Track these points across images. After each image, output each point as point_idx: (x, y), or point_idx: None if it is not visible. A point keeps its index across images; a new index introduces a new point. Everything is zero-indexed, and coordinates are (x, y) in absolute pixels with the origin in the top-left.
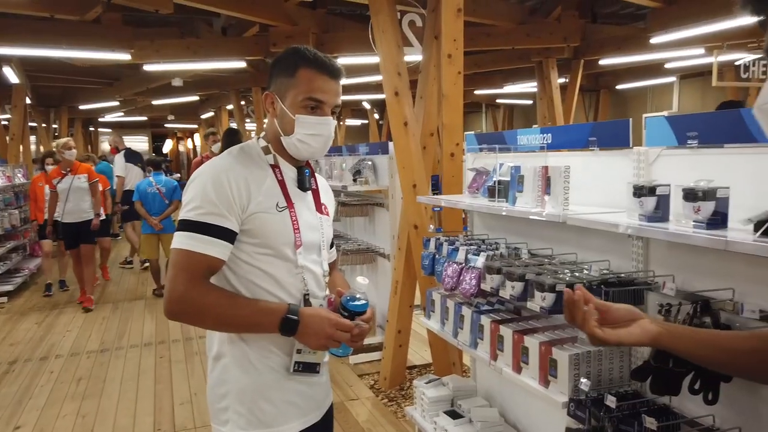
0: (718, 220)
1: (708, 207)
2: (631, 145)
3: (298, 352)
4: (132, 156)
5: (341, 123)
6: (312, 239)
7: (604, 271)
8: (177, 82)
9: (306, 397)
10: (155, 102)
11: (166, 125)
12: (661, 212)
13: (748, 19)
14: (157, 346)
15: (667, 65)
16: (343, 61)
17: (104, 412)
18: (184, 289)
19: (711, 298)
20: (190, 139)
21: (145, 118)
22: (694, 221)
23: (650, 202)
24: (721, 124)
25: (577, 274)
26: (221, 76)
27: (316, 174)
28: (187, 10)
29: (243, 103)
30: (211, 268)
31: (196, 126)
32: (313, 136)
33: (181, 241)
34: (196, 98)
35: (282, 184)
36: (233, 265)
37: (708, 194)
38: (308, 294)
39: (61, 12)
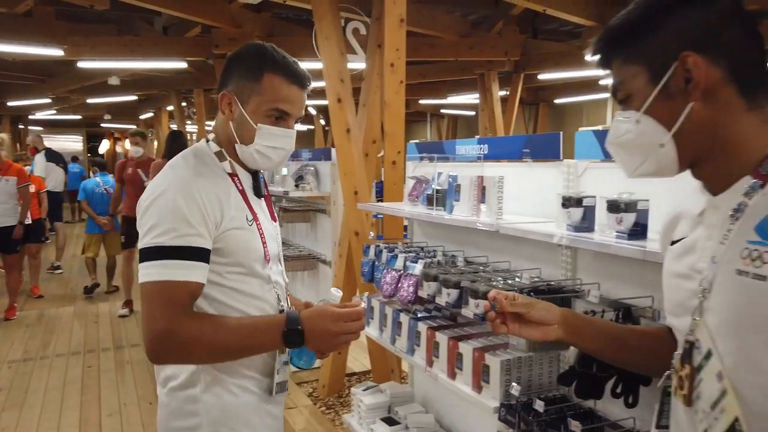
0: (639, 230)
1: (629, 218)
2: (561, 158)
3: (278, 372)
4: (53, 156)
5: None
6: (275, 250)
7: (535, 279)
8: (114, 81)
9: (278, 418)
10: (90, 101)
11: (102, 125)
12: (587, 223)
13: None
14: (85, 355)
15: (601, 82)
16: None
17: (25, 425)
18: (166, 325)
19: (632, 305)
20: (127, 140)
21: (79, 117)
22: (616, 232)
23: (577, 213)
24: None
25: (509, 281)
26: (161, 76)
27: None
28: (127, 8)
29: (184, 104)
30: (193, 296)
31: (134, 126)
32: (274, 149)
33: (154, 272)
34: (134, 98)
35: (243, 194)
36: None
37: (629, 206)
38: (282, 310)
39: None
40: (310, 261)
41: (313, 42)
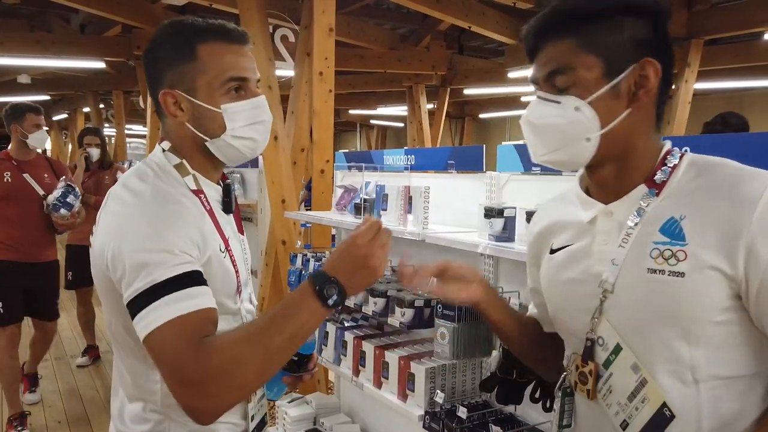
0: None
1: None
2: (484, 170)
3: (253, 418)
4: None
5: None
6: (244, 275)
7: None
8: (24, 79)
9: None
10: None
11: None
12: (508, 233)
13: None
14: None
15: (523, 98)
16: None
17: None
18: (197, 361)
19: None
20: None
21: None
22: None
23: (499, 223)
24: None
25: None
26: (77, 76)
27: None
28: (41, 3)
29: (102, 106)
30: (214, 322)
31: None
32: (253, 126)
33: (161, 313)
34: (47, 98)
35: (212, 214)
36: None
37: None
38: None
39: None
40: None
41: None
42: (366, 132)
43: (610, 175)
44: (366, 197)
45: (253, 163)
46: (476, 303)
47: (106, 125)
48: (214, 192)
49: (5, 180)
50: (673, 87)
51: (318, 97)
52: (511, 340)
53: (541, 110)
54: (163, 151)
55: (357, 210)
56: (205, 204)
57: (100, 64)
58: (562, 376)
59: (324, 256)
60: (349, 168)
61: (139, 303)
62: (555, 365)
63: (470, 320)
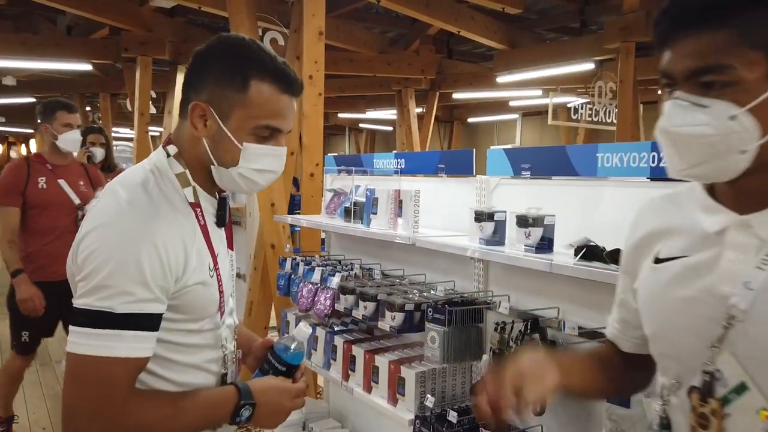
0: (546, 244)
1: (537, 233)
2: (474, 174)
3: None
4: None
5: None
6: (230, 290)
7: (450, 291)
8: (9, 81)
9: None
10: None
11: None
12: (498, 236)
13: (580, 66)
14: None
15: (511, 103)
16: None
17: None
18: (119, 409)
19: (540, 316)
20: (24, 145)
21: None
22: (525, 245)
23: (489, 227)
24: (549, 158)
25: (425, 294)
26: (63, 78)
27: None
28: (27, 4)
29: (89, 109)
30: (140, 370)
31: (32, 131)
32: (261, 173)
33: (96, 343)
34: (32, 100)
35: (205, 230)
36: None
37: (537, 221)
38: (225, 374)
39: None
40: None
41: None
42: (355, 135)
43: (757, 183)
44: (356, 201)
45: None
46: (559, 388)
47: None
48: (209, 205)
49: (40, 186)
50: None
51: (308, 101)
52: (598, 393)
53: (683, 117)
54: (168, 155)
55: (347, 214)
56: (200, 219)
57: (87, 67)
58: (659, 407)
59: (313, 260)
60: (339, 171)
61: (84, 317)
62: (631, 389)
63: (461, 324)
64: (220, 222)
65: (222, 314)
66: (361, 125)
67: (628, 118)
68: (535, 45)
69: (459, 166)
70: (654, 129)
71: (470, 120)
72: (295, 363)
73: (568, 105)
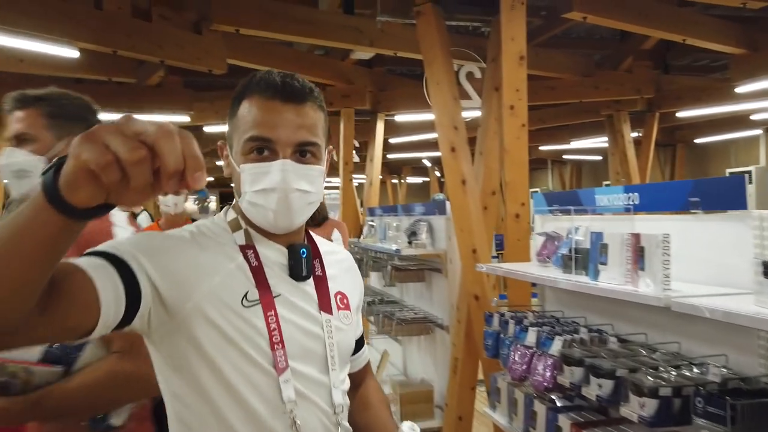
0: None
1: None
2: (747, 207)
3: None
4: None
5: (402, 181)
6: (298, 351)
7: (724, 371)
8: None
9: None
10: None
11: None
12: None
13: None
14: None
15: (753, 117)
16: (401, 118)
17: None
18: None
19: None
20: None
21: (212, 179)
22: None
23: None
24: None
25: (686, 373)
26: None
27: (328, 247)
28: (241, 72)
29: None
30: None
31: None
32: (262, 194)
33: None
34: None
35: (257, 269)
36: (180, 397)
37: None
38: None
39: None
40: (425, 325)
41: (424, 89)
42: (558, 168)
43: None
44: (577, 247)
45: (441, 209)
46: None
47: None
48: (274, 253)
49: None
50: None
51: (509, 133)
52: None
53: None
54: (225, 211)
55: (565, 263)
56: (251, 259)
57: None
58: None
59: (525, 317)
60: (551, 211)
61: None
62: None
63: (750, 422)
64: (294, 274)
65: (278, 368)
66: (565, 157)
67: None
68: None
69: (723, 198)
70: None
71: (697, 141)
72: None
73: None
